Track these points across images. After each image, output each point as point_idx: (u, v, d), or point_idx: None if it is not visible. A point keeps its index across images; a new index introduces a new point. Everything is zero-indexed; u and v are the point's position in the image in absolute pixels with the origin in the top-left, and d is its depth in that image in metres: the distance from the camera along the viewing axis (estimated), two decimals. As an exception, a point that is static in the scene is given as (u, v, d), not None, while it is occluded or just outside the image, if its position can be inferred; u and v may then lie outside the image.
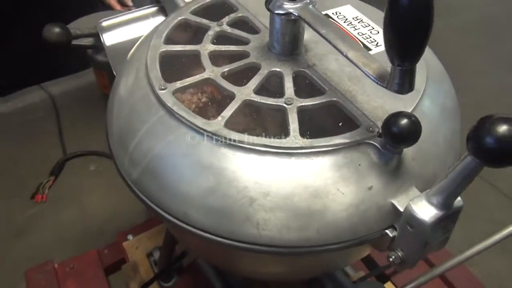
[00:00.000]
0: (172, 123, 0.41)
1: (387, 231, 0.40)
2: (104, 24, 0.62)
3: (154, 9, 0.65)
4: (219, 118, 0.41)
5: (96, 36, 0.64)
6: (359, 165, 0.39)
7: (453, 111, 0.47)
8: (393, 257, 0.39)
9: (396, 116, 0.36)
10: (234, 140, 0.39)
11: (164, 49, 0.48)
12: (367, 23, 0.53)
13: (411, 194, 0.39)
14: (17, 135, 1.54)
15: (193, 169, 0.39)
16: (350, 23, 0.54)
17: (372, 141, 0.39)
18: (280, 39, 0.46)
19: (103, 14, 0.74)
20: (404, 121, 0.35)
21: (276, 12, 0.44)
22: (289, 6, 0.43)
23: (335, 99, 0.43)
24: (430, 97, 0.44)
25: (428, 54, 0.51)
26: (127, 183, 0.44)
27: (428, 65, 0.47)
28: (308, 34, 0.48)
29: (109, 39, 0.61)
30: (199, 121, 0.40)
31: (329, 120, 0.43)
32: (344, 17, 0.54)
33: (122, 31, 0.62)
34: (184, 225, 0.40)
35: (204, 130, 0.40)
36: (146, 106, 0.43)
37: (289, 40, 0.46)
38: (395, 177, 0.39)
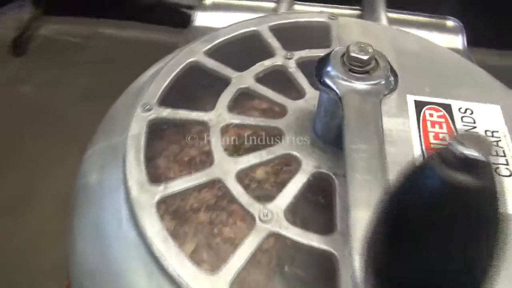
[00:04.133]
0: None
1: None
2: (208, 1, 0.54)
3: (272, 5, 0.53)
4: None
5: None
6: None
7: None
8: None
9: None
10: None
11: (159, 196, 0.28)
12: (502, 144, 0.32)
13: None
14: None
15: None
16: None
17: None
18: (322, 118, 0.30)
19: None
20: None
21: (321, 80, 0.27)
22: (339, 80, 0.26)
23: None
24: None
25: None
26: None
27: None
28: (389, 123, 0.31)
29: (201, 19, 0.53)
30: None
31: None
32: (472, 120, 0.33)
33: (219, 16, 0.53)
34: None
35: None
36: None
37: (337, 125, 0.30)
38: None
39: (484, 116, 0.34)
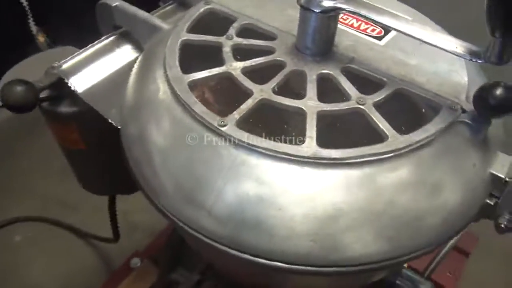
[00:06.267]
0: (261, 162, 0.35)
1: (487, 200, 0.40)
2: (65, 66, 0.51)
3: (113, 38, 0.55)
4: (307, 140, 0.36)
5: (56, 85, 0.52)
6: (458, 146, 0.38)
7: None
8: (504, 222, 0.40)
9: (491, 87, 0.36)
10: (337, 159, 0.35)
11: (190, 79, 0.41)
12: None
13: (502, 159, 0.40)
14: None
15: (307, 203, 0.35)
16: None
17: (463, 118, 0.38)
18: (317, 39, 0.42)
19: (39, 59, 0.61)
20: (501, 91, 0.35)
21: (317, 10, 0.40)
22: (330, 2, 0.39)
23: (401, 87, 0.41)
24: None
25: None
26: (212, 244, 0.37)
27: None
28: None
29: (79, 83, 0.50)
30: (292, 149, 0.35)
31: (404, 110, 0.41)
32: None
33: (90, 71, 0.51)
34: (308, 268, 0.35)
35: (305, 157, 0.35)
36: (212, 150, 0.36)
37: (325, 39, 0.43)
38: (487, 148, 0.39)
39: None
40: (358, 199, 0.34)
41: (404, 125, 0.39)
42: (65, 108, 0.54)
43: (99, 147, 0.59)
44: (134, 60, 0.53)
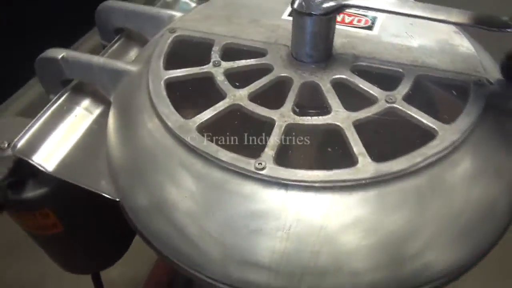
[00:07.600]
0: (321, 197, 0.30)
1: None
2: (21, 145, 0.41)
3: (67, 95, 0.46)
4: (360, 158, 0.32)
5: (14, 169, 0.42)
6: (499, 121, 0.36)
7: None
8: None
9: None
10: (401, 171, 0.31)
11: (198, 123, 0.35)
12: None
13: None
14: None
15: (384, 230, 0.30)
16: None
17: (494, 90, 0.37)
18: (318, 44, 0.38)
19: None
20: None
21: (318, 13, 0.36)
22: (332, 2, 0.35)
23: (419, 73, 0.38)
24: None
25: None
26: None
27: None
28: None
29: (46, 161, 0.41)
30: (350, 173, 0.31)
31: (430, 96, 0.39)
32: None
33: (53, 141, 0.42)
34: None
35: (367, 179, 0.31)
36: (258, 200, 0.31)
37: (326, 42, 0.39)
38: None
39: None
40: (435, 206, 0.31)
41: (440, 112, 0.36)
42: (31, 193, 0.44)
43: (82, 224, 0.50)
44: (101, 115, 0.46)
